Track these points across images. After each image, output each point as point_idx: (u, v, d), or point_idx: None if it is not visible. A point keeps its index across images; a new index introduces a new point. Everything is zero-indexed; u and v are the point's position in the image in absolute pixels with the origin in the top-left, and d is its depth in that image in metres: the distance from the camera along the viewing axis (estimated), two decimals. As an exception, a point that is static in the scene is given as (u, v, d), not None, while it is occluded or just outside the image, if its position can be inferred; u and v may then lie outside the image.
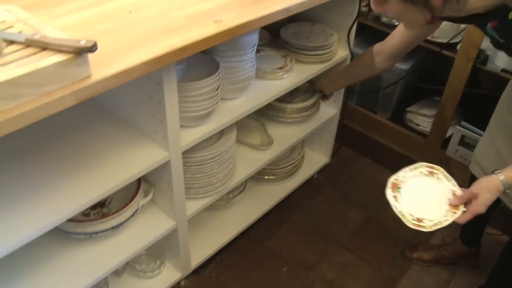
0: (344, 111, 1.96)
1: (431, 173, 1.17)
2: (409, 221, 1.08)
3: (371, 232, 1.90)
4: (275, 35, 1.69)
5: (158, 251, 1.53)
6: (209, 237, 1.68)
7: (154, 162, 1.17)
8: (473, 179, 1.51)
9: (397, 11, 0.96)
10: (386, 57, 1.41)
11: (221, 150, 1.38)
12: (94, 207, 1.31)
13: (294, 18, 1.78)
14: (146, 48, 0.92)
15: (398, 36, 1.34)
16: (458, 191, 1.11)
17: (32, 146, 1.17)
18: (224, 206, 1.79)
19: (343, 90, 1.85)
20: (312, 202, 2.02)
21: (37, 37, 0.78)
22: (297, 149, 1.97)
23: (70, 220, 1.21)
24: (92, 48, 0.77)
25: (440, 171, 1.17)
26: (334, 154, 2.12)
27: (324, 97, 1.76)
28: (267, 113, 1.78)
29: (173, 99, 1.10)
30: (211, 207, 1.77)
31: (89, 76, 0.82)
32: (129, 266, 1.53)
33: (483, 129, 1.43)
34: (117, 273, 1.50)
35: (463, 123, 1.85)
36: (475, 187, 1.06)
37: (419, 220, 1.09)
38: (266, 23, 1.13)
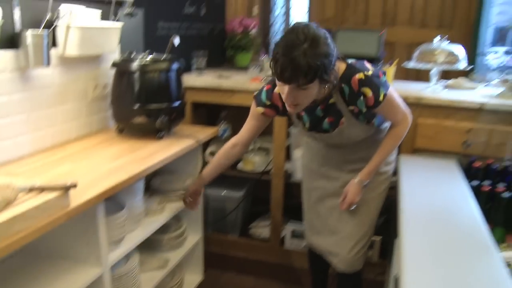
0: (205, 238, 2.57)
1: None
2: None
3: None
4: (146, 187, 2.31)
5: None
6: None
7: (91, 278, 1.58)
8: (310, 253, 2.22)
9: (312, 93, 1.50)
10: (243, 145, 1.89)
11: (131, 268, 1.84)
12: None
13: (158, 172, 2.44)
14: (93, 188, 1.46)
15: (248, 130, 1.86)
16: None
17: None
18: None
19: (200, 224, 2.48)
20: (198, 314, 2.46)
21: (37, 185, 1.27)
22: (177, 272, 2.46)
23: None
24: (75, 185, 1.30)
25: None
26: (205, 273, 2.64)
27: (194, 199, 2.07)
28: (149, 245, 2.27)
29: (104, 227, 1.59)
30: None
31: (69, 205, 1.32)
32: None
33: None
34: None
35: (290, 222, 2.64)
36: (346, 188, 1.84)
37: None
38: (154, 169, 1.79)
